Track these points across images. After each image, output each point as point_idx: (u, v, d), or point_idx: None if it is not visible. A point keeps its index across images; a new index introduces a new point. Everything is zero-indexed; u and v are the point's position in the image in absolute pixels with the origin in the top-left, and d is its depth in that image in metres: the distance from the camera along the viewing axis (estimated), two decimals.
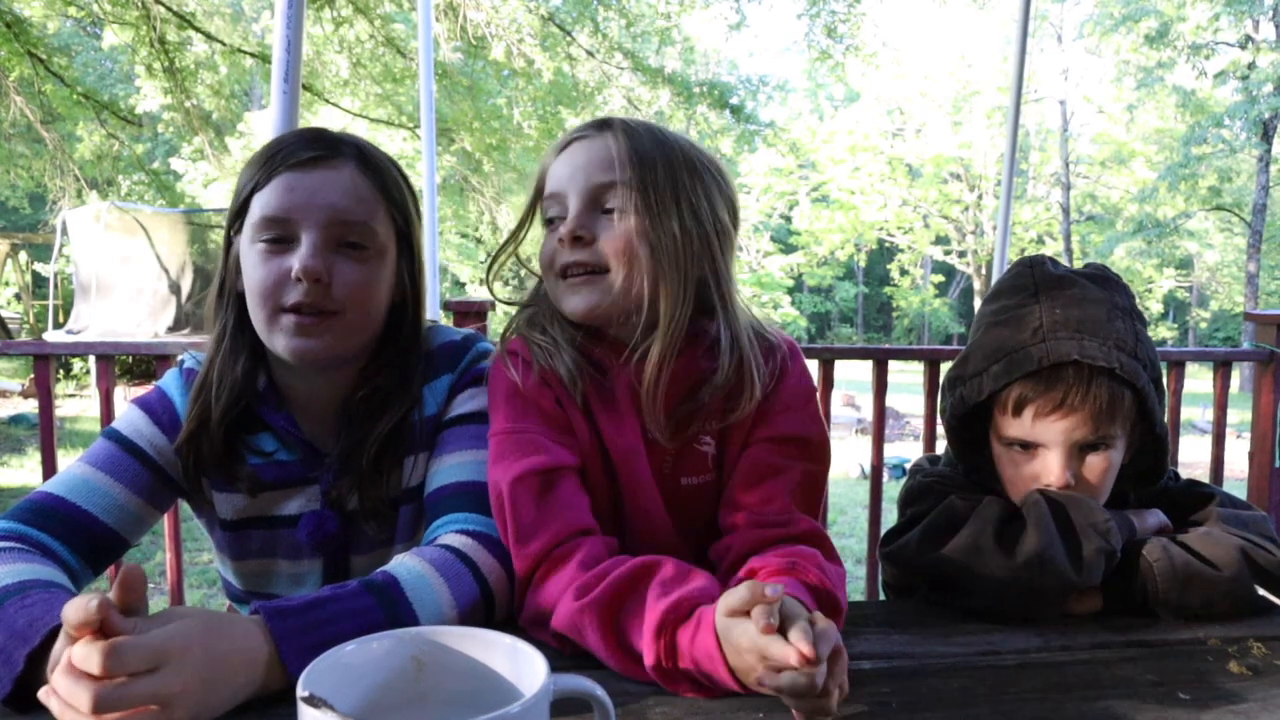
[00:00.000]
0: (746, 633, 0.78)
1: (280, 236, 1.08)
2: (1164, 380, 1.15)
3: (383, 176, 1.15)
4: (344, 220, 1.10)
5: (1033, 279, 1.15)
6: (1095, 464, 1.10)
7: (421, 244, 1.22)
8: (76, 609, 0.69)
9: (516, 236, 1.19)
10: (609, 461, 1.11)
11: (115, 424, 1.17)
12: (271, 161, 1.10)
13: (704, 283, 1.11)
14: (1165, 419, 1.16)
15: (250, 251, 1.09)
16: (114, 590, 0.74)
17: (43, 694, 0.73)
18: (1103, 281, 1.15)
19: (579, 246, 1.08)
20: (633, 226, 1.07)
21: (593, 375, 1.11)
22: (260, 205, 1.09)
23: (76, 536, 1.05)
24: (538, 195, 1.15)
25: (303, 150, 1.10)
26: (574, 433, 1.09)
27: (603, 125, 1.13)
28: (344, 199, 1.10)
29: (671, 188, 1.09)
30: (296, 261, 1.06)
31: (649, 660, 0.85)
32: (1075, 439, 1.09)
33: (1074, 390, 1.07)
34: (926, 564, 1.11)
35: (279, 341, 1.09)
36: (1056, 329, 1.09)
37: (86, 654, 0.70)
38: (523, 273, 1.30)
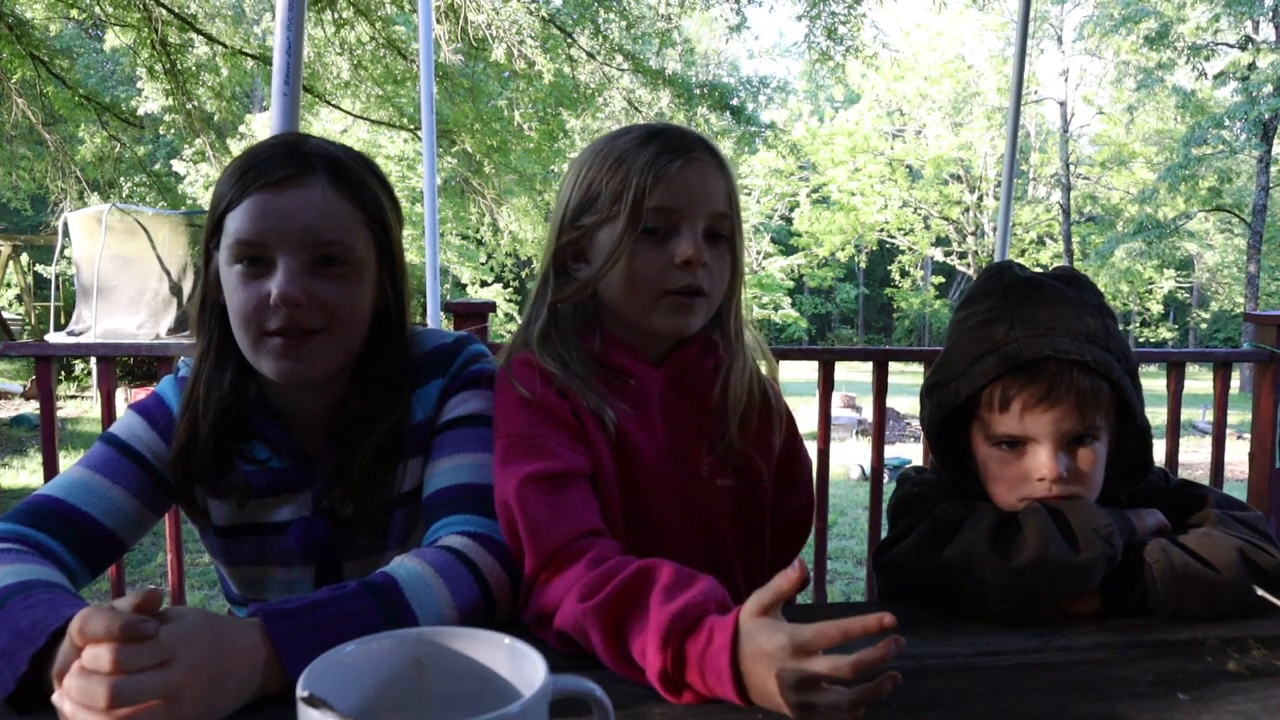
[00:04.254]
0: (781, 631, 0.78)
1: (256, 259, 1.06)
2: (1138, 373, 1.17)
3: (358, 189, 1.12)
4: (319, 241, 1.07)
5: (1000, 283, 1.17)
6: (1085, 457, 1.11)
7: (403, 250, 1.20)
8: (99, 623, 0.71)
9: (621, 245, 1.11)
10: (630, 475, 1.12)
11: (113, 429, 1.16)
12: (244, 179, 1.07)
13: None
14: (1145, 412, 1.17)
15: (229, 273, 1.08)
16: (130, 609, 0.75)
17: (55, 698, 0.73)
18: (1069, 281, 1.17)
19: (700, 269, 1.13)
20: (734, 257, 1.18)
21: (618, 383, 1.16)
22: (234, 228, 1.06)
23: (75, 537, 1.05)
24: (638, 202, 1.10)
25: (275, 169, 1.07)
26: (589, 443, 1.10)
27: (701, 145, 1.15)
28: (318, 219, 1.07)
29: (739, 214, 1.19)
30: (274, 288, 1.05)
31: (655, 668, 0.83)
32: (1064, 430, 1.10)
33: (1057, 381, 1.08)
34: (921, 573, 1.11)
35: (265, 364, 1.08)
36: (1027, 328, 1.10)
37: (97, 655, 0.71)
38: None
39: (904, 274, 31.16)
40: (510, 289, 22.41)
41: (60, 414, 9.37)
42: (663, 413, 1.17)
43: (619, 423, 1.12)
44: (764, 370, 1.27)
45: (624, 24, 12.31)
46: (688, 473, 1.17)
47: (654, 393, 1.17)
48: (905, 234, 28.82)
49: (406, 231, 1.24)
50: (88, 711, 0.70)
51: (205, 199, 16.53)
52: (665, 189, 1.10)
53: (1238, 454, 3.70)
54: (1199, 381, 10.44)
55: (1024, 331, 1.10)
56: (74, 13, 9.34)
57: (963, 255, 28.00)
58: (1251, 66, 19.71)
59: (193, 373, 1.15)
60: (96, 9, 8.84)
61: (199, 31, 9.19)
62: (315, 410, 1.17)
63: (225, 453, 1.14)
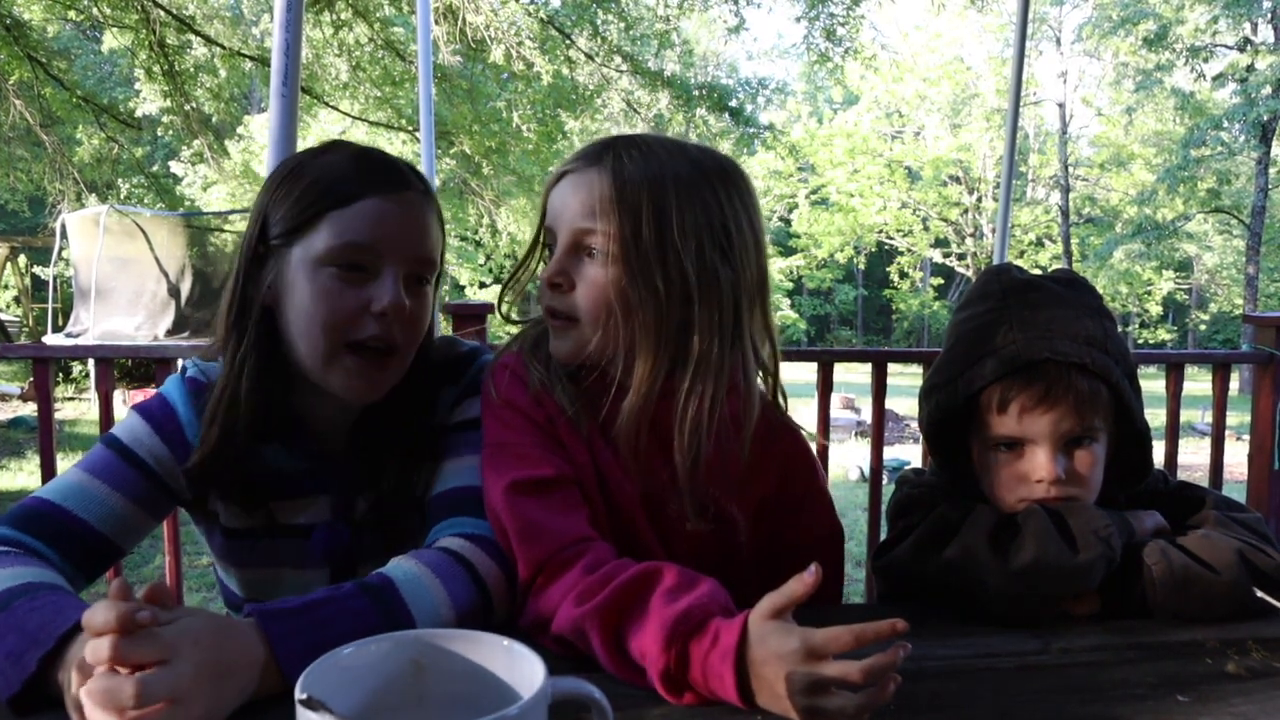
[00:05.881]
0: (792, 635, 0.78)
1: (360, 265, 1.04)
2: (1137, 375, 1.17)
3: (437, 203, 1.13)
4: (423, 258, 1.08)
5: (999, 285, 1.17)
6: (1083, 459, 1.11)
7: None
8: (99, 614, 0.71)
9: (526, 265, 1.15)
10: (607, 492, 1.09)
11: (115, 430, 1.13)
12: (348, 185, 1.04)
13: (688, 330, 1.05)
14: (1144, 413, 1.17)
15: (316, 274, 1.03)
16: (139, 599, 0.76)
17: (81, 692, 0.73)
18: (1068, 284, 1.18)
19: (556, 292, 1.06)
20: (610, 278, 1.02)
21: (594, 413, 1.09)
22: (342, 229, 1.03)
23: (70, 544, 1.03)
24: (541, 220, 1.12)
25: (388, 176, 1.06)
26: (565, 449, 1.08)
27: (598, 156, 1.05)
28: (425, 234, 1.08)
29: (657, 237, 1.01)
30: (384, 296, 1.03)
31: (658, 668, 0.83)
32: (1063, 431, 1.10)
33: (1056, 383, 1.08)
34: (920, 575, 1.11)
35: (338, 379, 1.06)
36: (1026, 331, 1.10)
37: (98, 645, 0.71)
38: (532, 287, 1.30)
39: (903, 275, 31.16)
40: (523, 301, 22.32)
41: (58, 416, 9.37)
42: (627, 441, 1.09)
43: (591, 441, 1.09)
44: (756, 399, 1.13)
45: (622, 25, 12.33)
46: (655, 511, 1.10)
47: (618, 419, 1.08)
48: (904, 235, 28.83)
49: None
50: (105, 712, 0.71)
51: (203, 200, 16.55)
52: (549, 211, 1.09)
53: (1237, 455, 3.70)
54: (1198, 383, 10.44)
55: (1023, 334, 1.10)
56: (72, 14, 9.35)
57: (961, 257, 28.02)
58: (1250, 68, 19.74)
59: (226, 374, 1.09)
60: (94, 10, 8.86)
61: (197, 33, 9.20)
62: (342, 415, 1.16)
63: (245, 457, 1.11)
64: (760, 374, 1.14)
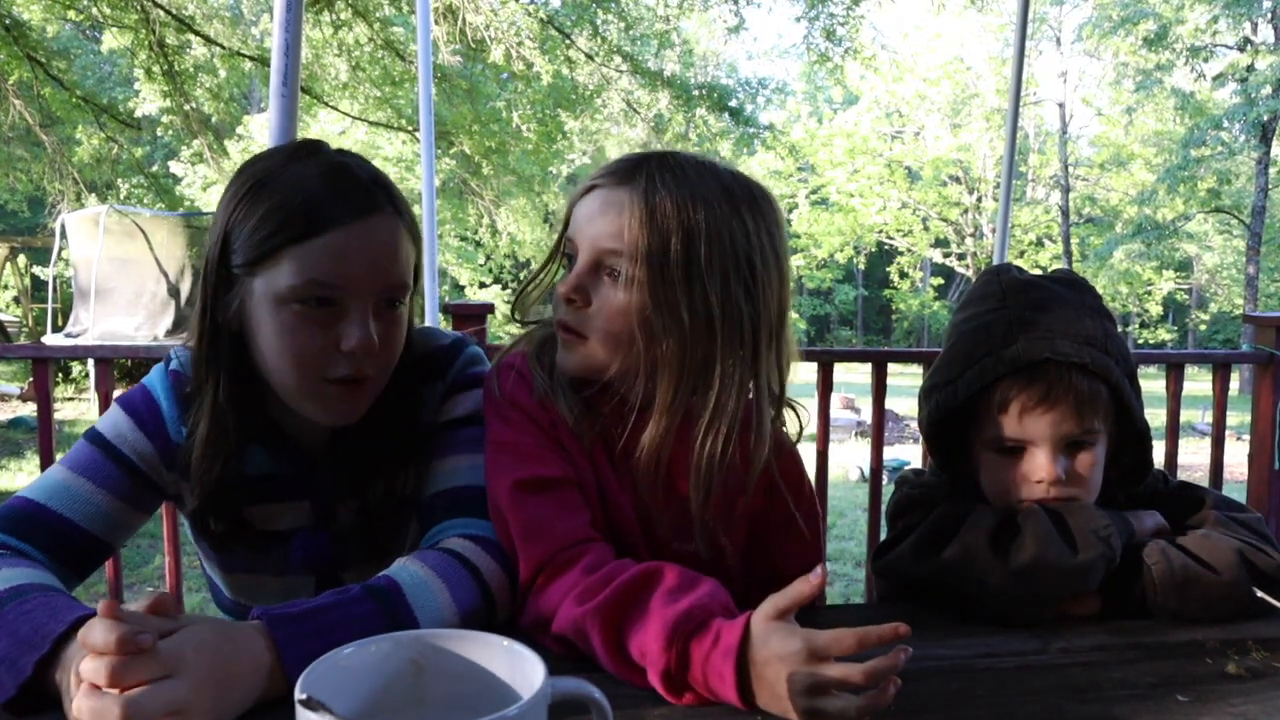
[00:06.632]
0: (795, 635, 0.78)
1: (326, 301, 1.00)
2: (1137, 375, 1.17)
3: (409, 215, 1.08)
4: (394, 284, 1.05)
5: (1000, 285, 1.17)
6: (1083, 460, 1.12)
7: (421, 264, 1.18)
8: (98, 634, 0.71)
9: (545, 271, 1.14)
10: (606, 507, 1.09)
11: (98, 425, 1.12)
12: (310, 215, 0.98)
13: (710, 364, 1.04)
14: (1144, 413, 1.17)
15: (280, 310, 0.99)
16: (141, 610, 0.76)
17: (68, 704, 0.73)
18: (1068, 284, 1.18)
19: (571, 307, 1.05)
20: (631, 304, 1.01)
21: (596, 425, 1.09)
22: (305, 266, 0.98)
23: (56, 544, 1.02)
24: (564, 229, 1.10)
25: (350, 200, 1.01)
26: (567, 453, 1.08)
27: (630, 174, 1.03)
28: (392, 262, 1.03)
29: (684, 267, 0.99)
30: (352, 336, 1.00)
31: (658, 668, 0.83)
32: (1063, 432, 1.10)
33: (1056, 384, 1.08)
34: (920, 575, 1.11)
35: (314, 408, 1.05)
36: (1026, 331, 1.10)
37: (95, 667, 0.71)
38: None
39: (903, 275, 31.14)
40: (509, 290, 22.44)
41: (58, 416, 9.36)
42: (624, 456, 1.08)
43: (593, 453, 1.08)
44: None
45: (622, 25, 12.34)
46: (646, 529, 1.10)
47: (623, 447, 1.08)
48: (904, 235, 28.81)
49: None
50: None
51: (203, 200, 16.53)
52: (572, 222, 1.07)
53: (1237, 455, 3.70)
54: (1198, 383, 10.44)
55: (1023, 334, 1.11)
56: (71, 14, 9.35)
57: (961, 257, 28.00)
58: (1250, 68, 19.74)
59: (210, 412, 1.06)
60: (94, 10, 8.86)
61: (196, 33, 9.20)
62: (319, 424, 1.15)
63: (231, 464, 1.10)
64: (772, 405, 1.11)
